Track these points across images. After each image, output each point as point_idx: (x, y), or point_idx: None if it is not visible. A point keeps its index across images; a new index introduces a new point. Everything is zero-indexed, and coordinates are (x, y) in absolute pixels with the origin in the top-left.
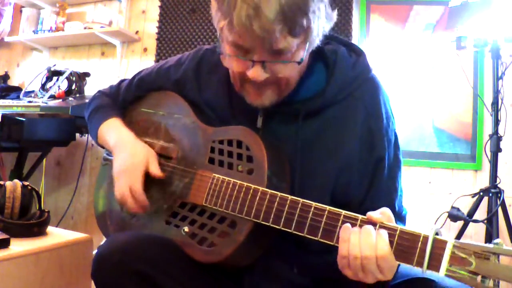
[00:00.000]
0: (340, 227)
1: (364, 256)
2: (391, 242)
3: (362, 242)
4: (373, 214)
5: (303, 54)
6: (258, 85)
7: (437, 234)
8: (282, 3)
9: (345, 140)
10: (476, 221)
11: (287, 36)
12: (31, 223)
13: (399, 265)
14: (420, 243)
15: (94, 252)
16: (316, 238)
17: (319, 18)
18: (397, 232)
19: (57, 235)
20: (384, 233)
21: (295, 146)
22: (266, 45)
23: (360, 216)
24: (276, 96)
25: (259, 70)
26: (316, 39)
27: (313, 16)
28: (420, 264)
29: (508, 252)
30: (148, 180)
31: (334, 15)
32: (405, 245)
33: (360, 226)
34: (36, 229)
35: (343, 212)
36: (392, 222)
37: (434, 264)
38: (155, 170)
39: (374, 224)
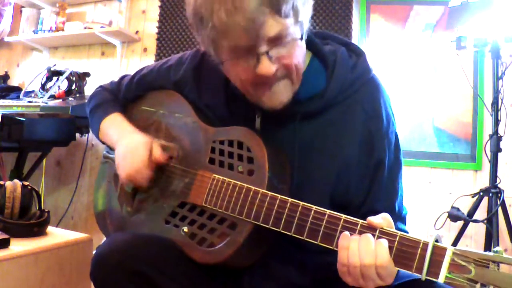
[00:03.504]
0: (340, 231)
1: (363, 265)
2: (390, 248)
3: (362, 250)
4: (373, 219)
5: (301, 33)
6: (270, 81)
7: (437, 241)
8: None
9: (344, 143)
10: (476, 221)
11: (278, 18)
12: (31, 223)
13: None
14: (419, 249)
15: (94, 252)
16: (315, 242)
17: None
18: (397, 238)
19: (57, 235)
20: (383, 241)
21: (293, 148)
22: (261, 35)
23: (360, 221)
24: (291, 90)
25: (266, 63)
26: (307, 17)
27: None
28: (419, 270)
29: (508, 261)
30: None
31: None
32: (405, 251)
33: (360, 233)
34: (36, 229)
35: (343, 216)
36: (392, 228)
37: (434, 271)
38: (158, 153)
39: (374, 229)
